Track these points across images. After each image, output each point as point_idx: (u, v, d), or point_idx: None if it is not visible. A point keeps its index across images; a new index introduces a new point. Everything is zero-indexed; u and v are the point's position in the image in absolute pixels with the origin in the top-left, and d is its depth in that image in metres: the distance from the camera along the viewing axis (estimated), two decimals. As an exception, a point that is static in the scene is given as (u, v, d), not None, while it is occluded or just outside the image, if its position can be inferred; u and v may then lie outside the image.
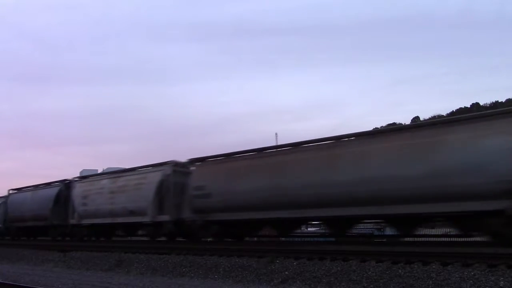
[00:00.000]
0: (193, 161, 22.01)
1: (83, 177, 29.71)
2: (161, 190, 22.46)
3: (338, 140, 17.15)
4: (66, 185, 30.21)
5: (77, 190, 28.17)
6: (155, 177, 22.96)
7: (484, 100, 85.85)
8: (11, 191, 36.82)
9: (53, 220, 29.77)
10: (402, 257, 11.83)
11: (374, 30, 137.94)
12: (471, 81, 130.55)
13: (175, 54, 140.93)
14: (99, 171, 40.69)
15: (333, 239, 18.97)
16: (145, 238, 25.67)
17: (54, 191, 30.75)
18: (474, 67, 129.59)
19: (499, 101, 73.13)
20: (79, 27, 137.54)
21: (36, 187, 34.31)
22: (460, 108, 75.05)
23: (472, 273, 9.91)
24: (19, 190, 36.52)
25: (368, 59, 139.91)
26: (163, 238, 23.40)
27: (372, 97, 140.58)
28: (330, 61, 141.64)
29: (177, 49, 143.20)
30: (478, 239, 16.49)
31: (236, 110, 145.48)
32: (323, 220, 18.46)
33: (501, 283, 9.32)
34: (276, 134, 42.65)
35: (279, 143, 29.64)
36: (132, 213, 23.63)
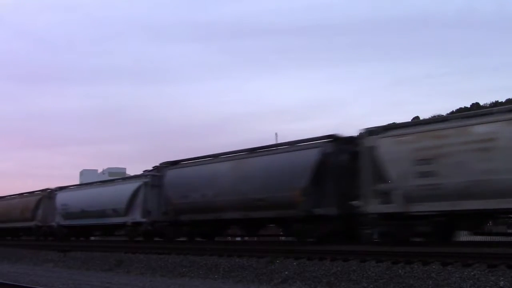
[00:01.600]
0: None
1: (394, 127, 16.17)
2: None
3: None
4: (337, 145, 16.86)
5: (392, 150, 14.79)
6: None
7: (484, 100, 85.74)
8: (164, 165, 22.75)
9: (310, 208, 16.60)
10: (402, 257, 11.82)
11: (374, 30, 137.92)
12: (471, 81, 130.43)
13: (175, 54, 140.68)
14: (99, 171, 40.61)
15: None
16: None
17: (309, 156, 16.84)
18: (474, 67, 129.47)
19: (499, 101, 73.07)
20: (79, 27, 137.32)
21: (220, 155, 20.71)
22: (460, 108, 74.92)
23: (472, 273, 9.90)
24: (176, 163, 22.49)
25: (368, 59, 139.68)
26: None
27: (372, 97, 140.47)
28: (330, 61, 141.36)
29: (177, 49, 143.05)
30: (478, 238, 16.49)
31: (236, 110, 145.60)
32: None
33: (501, 283, 9.32)
34: (276, 134, 42.52)
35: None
36: None
